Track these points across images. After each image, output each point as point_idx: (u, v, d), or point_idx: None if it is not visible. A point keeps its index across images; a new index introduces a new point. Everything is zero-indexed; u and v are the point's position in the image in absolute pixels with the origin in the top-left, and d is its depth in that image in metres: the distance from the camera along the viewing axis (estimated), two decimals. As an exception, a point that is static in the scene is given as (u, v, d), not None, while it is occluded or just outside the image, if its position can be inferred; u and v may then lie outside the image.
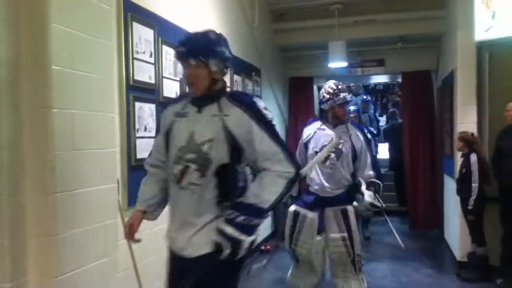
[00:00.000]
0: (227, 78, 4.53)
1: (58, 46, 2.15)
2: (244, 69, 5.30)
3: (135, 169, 2.96)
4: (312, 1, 6.28)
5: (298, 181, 2.03)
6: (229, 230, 1.88)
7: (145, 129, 3.09)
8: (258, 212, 1.92)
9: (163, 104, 3.31)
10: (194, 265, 1.92)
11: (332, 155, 3.51)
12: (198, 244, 1.94)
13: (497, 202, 4.39)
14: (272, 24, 6.69)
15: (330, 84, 3.62)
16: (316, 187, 3.62)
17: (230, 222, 1.88)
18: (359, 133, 3.63)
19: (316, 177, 3.61)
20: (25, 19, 2.12)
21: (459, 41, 4.95)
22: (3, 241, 2.06)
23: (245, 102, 1.97)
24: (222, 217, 1.92)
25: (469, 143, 4.47)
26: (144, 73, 3.11)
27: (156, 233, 3.27)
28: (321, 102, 3.68)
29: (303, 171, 2.41)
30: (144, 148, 3.06)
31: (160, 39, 3.31)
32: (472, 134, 4.58)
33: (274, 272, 4.99)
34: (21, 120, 2.12)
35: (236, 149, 1.94)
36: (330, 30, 6.38)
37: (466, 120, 4.89)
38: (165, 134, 2.07)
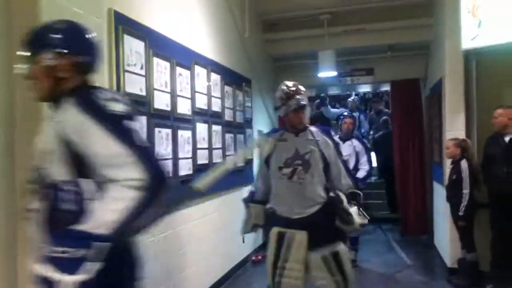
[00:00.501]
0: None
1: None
2: (235, 80, 5.34)
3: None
4: (301, 11, 6.34)
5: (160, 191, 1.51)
6: (41, 270, 1.50)
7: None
8: (86, 241, 1.44)
9: (154, 116, 3.35)
10: None
11: (299, 168, 3.02)
12: None
13: (486, 208, 4.44)
14: (263, 34, 6.76)
15: (283, 87, 3.12)
16: (283, 208, 3.06)
17: (46, 259, 1.50)
18: (327, 138, 3.13)
19: (282, 195, 3.07)
20: (17, 32, 2.13)
21: (447, 49, 5.02)
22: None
23: (81, 98, 1.56)
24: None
25: (463, 149, 4.52)
26: (135, 85, 3.13)
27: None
28: (275, 108, 3.30)
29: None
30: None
31: (151, 51, 3.34)
32: (464, 139, 4.64)
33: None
34: (13, 132, 2.13)
35: (77, 160, 1.54)
36: (320, 39, 6.45)
37: (454, 128, 4.95)
38: None
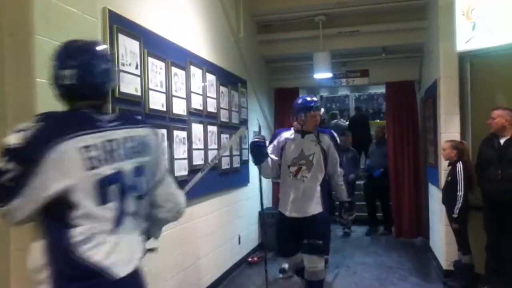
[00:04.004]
0: (213, 89, 4.55)
1: (42, 58, 2.12)
2: (230, 80, 5.31)
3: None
4: (296, 13, 6.34)
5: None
6: None
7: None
8: None
9: (149, 116, 3.31)
10: None
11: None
12: None
13: (481, 210, 4.44)
14: (257, 35, 6.75)
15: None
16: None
17: None
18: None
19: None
20: (9, 31, 2.10)
21: (441, 51, 5.03)
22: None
23: None
24: None
25: (459, 152, 4.52)
26: (130, 85, 3.10)
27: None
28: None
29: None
30: (130, 160, 3.04)
31: (146, 50, 3.31)
32: (462, 142, 4.64)
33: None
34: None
35: None
36: (315, 41, 6.45)
37: (449, 130, 4.96)
38: None
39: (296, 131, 3.74)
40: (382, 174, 7.34)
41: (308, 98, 3.71)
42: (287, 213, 3.68)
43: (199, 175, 2.96)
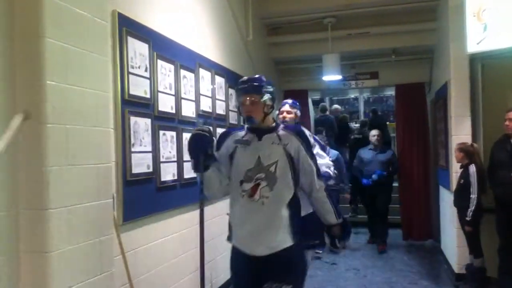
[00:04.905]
0: (222, 91, 4.54)
1: (53, 61, 2.14)
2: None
3: (130, 184, 2.94)
4: (305, 15, 6.33)
5: None
6: None
7: (141, 144, 3.08)
8: None
9: (158, 118, 3.32)
10: None
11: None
12: None
13: (493, 213, 4.39)
14: (266, 38, 6.74)
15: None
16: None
17: None
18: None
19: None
20: (19, 34, 2.11)
21: (451, 53, 4.99)
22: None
23: None
24: None
25: (469, 154, 4.48)
26: (139, 88, 3.11)
27: (151, 248, 3.25)
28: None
29: None
30: (139, 163, 3.05)
31: (155, 53, 3.32)
32: (472, 144, 4.59)
33: None
34: (15, 135, 2.10)
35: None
36: (324, 43, 6.44)
37: (460, 132, 4.91)
38: None
39: (251, 130, 2.56)
40: (382, 180, 6.49)
41: (246, 78, 2.64)
42: (243, 249, 2.50)
43: None
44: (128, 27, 2.99)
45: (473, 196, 4.31)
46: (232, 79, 5.01)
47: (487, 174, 4.45)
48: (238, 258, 2.56)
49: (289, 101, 3.79)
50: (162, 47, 3.44)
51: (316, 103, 9.99)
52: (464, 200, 4.39)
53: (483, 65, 4.89)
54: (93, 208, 2.38)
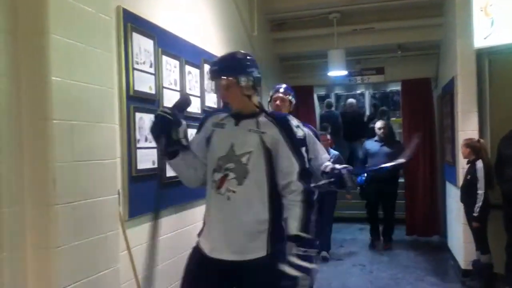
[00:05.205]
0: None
1: (58, 57, 2.14)
2: (244, 78, 5.29)
3: (135, 180, 2.94)
4: (310, 10, 6.29)
5: None
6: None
7: (146, 140, 3.07)
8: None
9: (163, 114, 3.31)
10: None
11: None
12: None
13: (500, 209, 4.36)
14: (271, 34, 6.72)
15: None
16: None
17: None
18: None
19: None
20: (24, 30, 2.11)
21: (458, 48, 4.95)
22: (2, 254, 2.03)
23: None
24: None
25: (476, 150, 4.45)
26: (144, 84, 3.10)
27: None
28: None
29: None
30: (144, 159, 3.05)
31: (160, 49, 3.31)
32: (479, 140, 4.56)
33: None
34: (21, 131, 2.10)
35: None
36: (329, 39, 6.40)
37: (467, 127, 4.88)
38: None
39: (231, 114, 2.22)
40: (391, 174, 6.11)
41: (219, 57, 2.34)
42: (206, 251, 2.13)
43: None
44: (133, 23, 2.98)
45: (480, 192, 4.29)
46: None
47: (494, 170, 4.43)
48: (199, 262, 2.17)
49: (282, 86, 3.43)
50: (167, 43, 3.43)
51: (321, 99, 9.96)
52: (471, 196, 4.37)
53: (490, 60, 4.86)
54: (99, 204, 2.38)
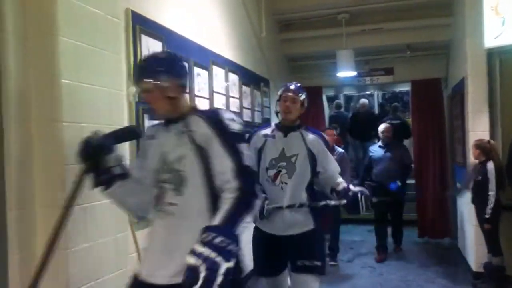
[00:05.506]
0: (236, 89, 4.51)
1: (67, 60, 2.15)
2: (253, 80, 5.29)
3: (145, 182, 2.94)
4: (318, 11, 6.27)
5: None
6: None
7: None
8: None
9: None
10: None
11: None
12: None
13: (510, 210, 4.31)
14: (279, 34, 6.70)
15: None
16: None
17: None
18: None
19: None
20: (33, 32, 2.12)
21: (468, 48, 4.91)
22: (13, 256, 2.04)
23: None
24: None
25: (486, 151, 4.40)
26: (153, 85, 3.10)
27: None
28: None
29: None
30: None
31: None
32: (489, 141, 4.51)
33: None
34: (30, 133, 2.11)
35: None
36: (338, 39, 6.37)
37: (477, 128, 4.83)
38: None
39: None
40: (398, 188, 5.86)
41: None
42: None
43: None
44: (141, 25, 2.98)
45: (492, 193, 4.23)
46: (245, 76, 5.00)
47: (505, 171, 4.37)
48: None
49: (293, 84, 3.12)
50: (176, 45, 3.43)
51: (330, 100, 9.94)
52: (482, 198, 4.32)
53: (501, 60, 4.80)
54: (109, 206, 2.37)
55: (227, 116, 1.90)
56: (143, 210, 2.07)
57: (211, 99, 4.05)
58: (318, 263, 2.79)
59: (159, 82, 1.85)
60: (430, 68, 6.96)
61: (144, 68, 1.94)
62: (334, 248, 5.73)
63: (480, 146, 4.44)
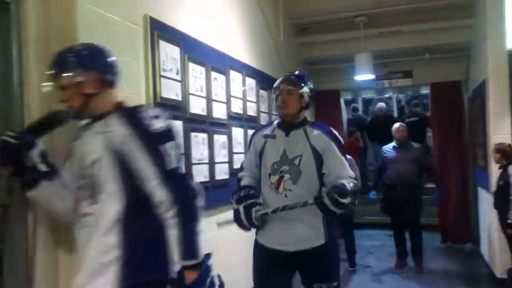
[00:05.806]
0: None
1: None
2: (270, 84, 5.27)
3: (163, 186, 2.96)
4: (336, 14, 6.25)
5: None
6: None
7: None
8: None
9: (190, 120, 3.33)
10: None
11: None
12: None
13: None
14: (297, 38, 6.69)
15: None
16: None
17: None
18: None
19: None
20: (53, 39, 2.15)
21: (489, 50, 4.84)
22: (36, 255, 2.06)
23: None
24: None
25: (507, 155, 4.31)
26: (171, 91, 3.12)
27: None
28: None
29: None
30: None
31: (186, 56, 3.33)
32: (510, 145, 4.43)
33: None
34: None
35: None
36: (356, 42, 6.33)
37: (499, 131, 4.76)
38: None
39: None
40: (411, 181, 5.41)
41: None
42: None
43: None
44: (160, 31, 3.01)
45: None
46: (263, 80, 5.00)
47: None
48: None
49: (291, 75, 2.65)
50: (193, 50, 3.45)
51: (348, 103, 9.89)
52: (504, 202, 4.22)
53: (524, 62, 4.72)
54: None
55: (149, 113, 1.70)
56: (72, 219, 1.79)
57: (228, 103, 4.06)
58: (335, 284, 2.47)
59: (70, 75, 1.67)
60: (450, 70, 6.88)
61: (56, 62, 1.74)
62: (351, 252, 5.67)
63: (501, 149, 4.37)
